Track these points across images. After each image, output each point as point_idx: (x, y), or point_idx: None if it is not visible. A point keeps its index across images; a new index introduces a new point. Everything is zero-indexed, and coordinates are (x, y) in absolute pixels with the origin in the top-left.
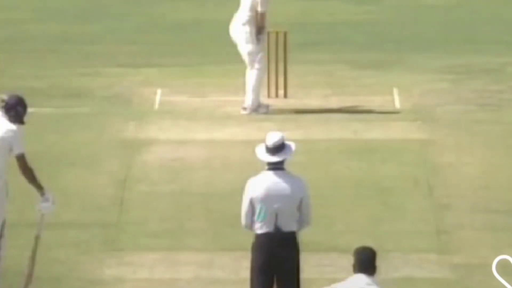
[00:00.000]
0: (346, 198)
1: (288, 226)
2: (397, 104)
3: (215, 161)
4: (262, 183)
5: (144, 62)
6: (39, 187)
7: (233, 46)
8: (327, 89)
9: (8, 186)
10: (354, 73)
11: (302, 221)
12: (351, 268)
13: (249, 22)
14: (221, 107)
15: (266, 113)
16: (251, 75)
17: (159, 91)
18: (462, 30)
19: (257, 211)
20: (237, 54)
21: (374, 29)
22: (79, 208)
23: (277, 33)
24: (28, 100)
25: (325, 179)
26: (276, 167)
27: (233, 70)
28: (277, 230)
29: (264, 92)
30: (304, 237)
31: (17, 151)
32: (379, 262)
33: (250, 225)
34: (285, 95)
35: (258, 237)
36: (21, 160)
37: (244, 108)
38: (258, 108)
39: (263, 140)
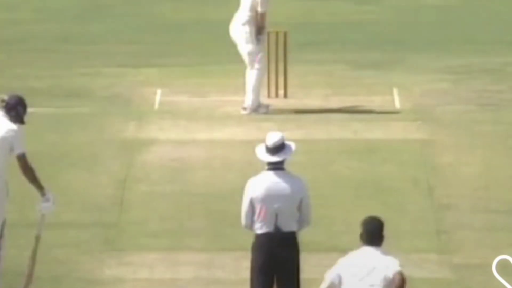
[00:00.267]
0: (346, 198)
1: (288, 226)
2: (397, 104)
3: (215, 161)
4: (262, 183)
5: (144, 62)
6: (40, 187)
7: (233, 46)
8: (327, 89)
9: (9, 186)
10: (354, 73)
11: (302, 221)
12: None
13: (249, 22)
14: (221, 107)
15: (266, 113)
16: (251, 75)
17: (159, 91)
18: (462, 30)
19: (257, 211)
20: (237, 54)
21: (374, 29)
22: (79, 208)
23: (277, 33)
24: (28, 100)
25: (325, 179)
26: (276, 167)
27: (233, 70)
28: (277, 230)
29: (264, 92)
30: (304, 237)
31: (18, 150)
32: None
33: (250, 225)
34: (285, 95)
35: (258, 237)
36: (22, 160)
37: (244, 108)
38: (258, 108)
39: (263, 140)
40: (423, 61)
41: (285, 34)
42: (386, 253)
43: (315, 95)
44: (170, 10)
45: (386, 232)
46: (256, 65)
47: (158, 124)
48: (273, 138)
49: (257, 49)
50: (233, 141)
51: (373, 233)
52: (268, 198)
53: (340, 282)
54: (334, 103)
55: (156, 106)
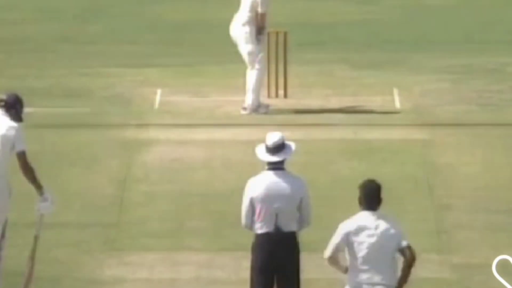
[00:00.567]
0: (346, 198)
1: (288, 226)
2: (397, 104)
3: (215, 161)
4: (262, 183)
5: (144, 62)
6: (39, 187)
7: (233, 46)
8: (327, 89)
9: (11, 186)
10: (354, 73)
11: (302, 221)
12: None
13: (249, 22)
14: (221, 107)
15: (266, 113)
16: (251, 75)
17: (159, 91)
18: (462, 30)
19: (257, 211)
20: (237, 54)
21: (374, 29)
22: (79, 208)
23: (277, 33)
24: (28, 100)
25: (325, 179)
26: (276, 167)
27: (233, 70)
28: (277, 230)
29: (264, 92)
30: (304, 237)
31: (19, 148)
32: None
33: (250, 225)
34: (285, 95)
35: (258, 237)
36: (22, 157)
37: (244, 108)
38: (258, 108)
39: (263, 140)
40: (423, 61)
41: (285, 34)
42: (384, 216)
43: (315, 95)
44: (170, 10)
45: None
46: (256, 65)
47: (158, 124)
48: (273, 138)
49: (257, 49)
50: (233, 141)
51: (372, 196)
52: (268, 198)
53: (343, 248)
54: (334, 103)
55: (156, 106)
